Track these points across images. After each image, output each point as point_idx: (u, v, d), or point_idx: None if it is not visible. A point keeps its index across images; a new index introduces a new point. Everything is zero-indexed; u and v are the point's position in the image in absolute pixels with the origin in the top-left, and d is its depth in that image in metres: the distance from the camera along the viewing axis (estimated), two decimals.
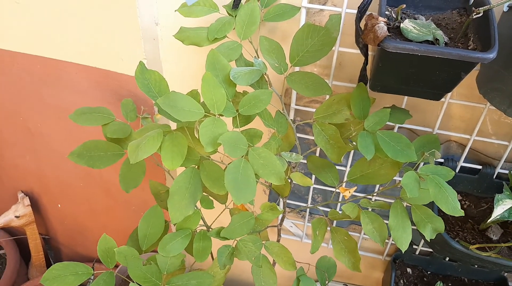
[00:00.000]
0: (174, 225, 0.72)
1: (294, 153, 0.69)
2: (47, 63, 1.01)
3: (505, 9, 0.62)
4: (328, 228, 0.77)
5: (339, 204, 1.00)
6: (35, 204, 1.46)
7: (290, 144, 0.78)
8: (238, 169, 0.60)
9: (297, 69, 0.76)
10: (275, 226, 0.87)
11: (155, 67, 0.93)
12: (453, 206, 0.62)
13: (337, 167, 0.92)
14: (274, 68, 0.72)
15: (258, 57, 0.74)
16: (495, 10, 0.59)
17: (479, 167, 0.84)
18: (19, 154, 1.30)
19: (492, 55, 0.52)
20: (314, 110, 0.77)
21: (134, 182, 0.80)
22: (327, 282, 0.81)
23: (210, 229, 0.76)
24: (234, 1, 0.74)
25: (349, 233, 1.07)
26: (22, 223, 1.42)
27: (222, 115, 0.64)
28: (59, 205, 1.43)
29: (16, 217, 1.39)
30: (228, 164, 0.61)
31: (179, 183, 0.63)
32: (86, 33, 0.91)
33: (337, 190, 0.76)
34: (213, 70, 0.66)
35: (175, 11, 0.73)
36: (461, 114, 0.82)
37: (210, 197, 0.79)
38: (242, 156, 0.61)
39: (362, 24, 0.61)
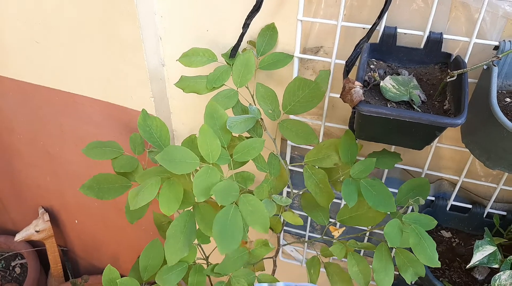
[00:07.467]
0: None
1: (284, 197, 0.73)
2: (64, 96, 1.09)
3: (485, 67, 0.65)
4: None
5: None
6: (54, 220, 1.55)
7: (284, 183, 0.82)
8: (227, 216, 0.63)
9: (292, 115, 0.81)
10: (270, 257, 0.91)
11: (162, 103, 0.99)
12: (430, 257, 0.65)
13: (334, 200, 0.96)
14: (268, 115, 0.76)
15: (254, 102, 0.79)
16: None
17: (470, 206, 0.86)
18: (40, 175, 1.40)
19: (460, 121, 0.55)
20: (311, 147, 0.80)
21: (138, 214, 0.86)
22: None
23: (209, 263, 0.81)
24: (231, 51, 0.79)
25: None
26: (42, 237, 1.51)
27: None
28: (76, 221, 1.52)
29: (36, 231, 1.48)
30: (220, 207, 0.65)
31: (175, 227, 0.69)
32: (100, 72, 0.99)
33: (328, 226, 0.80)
34: (211, 119, 0.71)
35: (176, 60, 0.79)
36: (451, 155, 0.84)
37: None
38: (233, 202, 0.66)
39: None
